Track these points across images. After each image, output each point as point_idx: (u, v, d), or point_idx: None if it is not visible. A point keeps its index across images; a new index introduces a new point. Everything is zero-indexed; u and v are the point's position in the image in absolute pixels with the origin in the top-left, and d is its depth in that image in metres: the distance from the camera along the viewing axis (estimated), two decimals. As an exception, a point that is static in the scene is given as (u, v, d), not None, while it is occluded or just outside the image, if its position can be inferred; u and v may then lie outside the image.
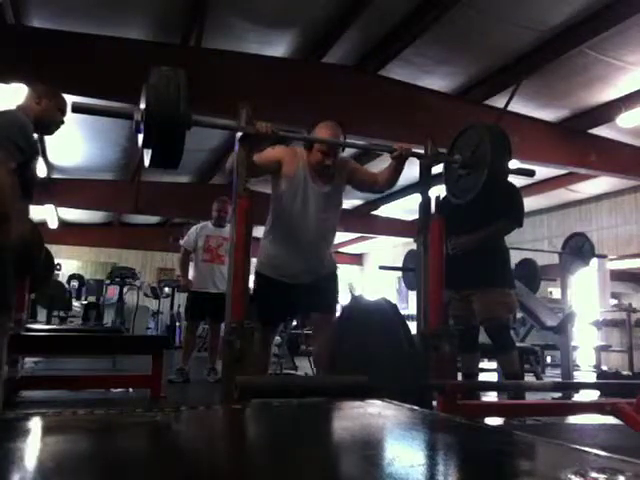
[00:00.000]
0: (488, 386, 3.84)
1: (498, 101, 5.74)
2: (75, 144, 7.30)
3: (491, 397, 4.03)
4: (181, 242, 5.18)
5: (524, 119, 6.16)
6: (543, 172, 7.40)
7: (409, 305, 10.09)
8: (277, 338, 4.92)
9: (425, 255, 2.54)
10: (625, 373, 6.25)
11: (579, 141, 6.52)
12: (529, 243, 8.69)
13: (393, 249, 12.55)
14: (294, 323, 5.79)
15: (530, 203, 8.09)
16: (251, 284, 2.48)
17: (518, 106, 5.81)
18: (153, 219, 12.01)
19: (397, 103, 5.54)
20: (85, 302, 10.00)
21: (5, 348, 2.24)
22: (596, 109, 6.08)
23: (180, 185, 9.18)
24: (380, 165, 2.95)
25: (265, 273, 2.77)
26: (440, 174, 2.92)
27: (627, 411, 2.04)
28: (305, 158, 2.69)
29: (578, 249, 6.06)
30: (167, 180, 8.92)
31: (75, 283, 10.20)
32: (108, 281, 9.23)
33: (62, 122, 2.44)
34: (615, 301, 8.29)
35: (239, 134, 2.30)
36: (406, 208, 9.34)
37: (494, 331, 3.43)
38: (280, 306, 2.79)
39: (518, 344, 4.47)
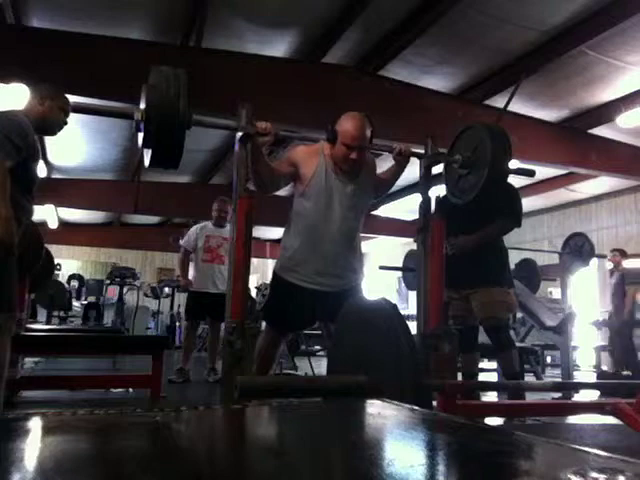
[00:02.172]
0: (488, 386, 3.83)
1: (498, 101, 5.74)
2: (75, 144, 7.31)
3: (491, 397, 4.04)
4: (181, 242, 5.19)
5: (524, 119, 6.16)
6: (543, 172, 7.40)
7: (409, 305, 10.09)
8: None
9: (425, 255, 2.53)
10: (625, 373, 6.25)
11: (579, 141, 6.52)
12: (529, 243, 8.70)
13: (393, 249, 12.54)
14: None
15: (530, 203, 8.11)
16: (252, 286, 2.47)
17: (518, 106, 5.81)
18: (153, 219, 12.01)
19: (397, 103, 5.54)
20: (85, 302, 10.02)
21: (9, 348, 2.25)
22: (596, 109, 6.08)
23: (180, 185, 9.18)
24: (380, 165, 2.94)
25: (282, 276, 2.62)
26: (440, 174, 2.92)
27: (627, 411, 2.04)
28: (328, 152, 2.50)
29: (578, 249, 6.07)
30: (167, 180, 8.92)
31: (75, 283, 10.22)
32: (108, 281, 9.25)
33: (65, 122, 2.44)
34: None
35: (239, 134, 2.30)
36: (406, 208, 9.34)
37: (493, 330, 3.43)
38: (293, 313, 2.61)
39: (518, 344, 4.48)
